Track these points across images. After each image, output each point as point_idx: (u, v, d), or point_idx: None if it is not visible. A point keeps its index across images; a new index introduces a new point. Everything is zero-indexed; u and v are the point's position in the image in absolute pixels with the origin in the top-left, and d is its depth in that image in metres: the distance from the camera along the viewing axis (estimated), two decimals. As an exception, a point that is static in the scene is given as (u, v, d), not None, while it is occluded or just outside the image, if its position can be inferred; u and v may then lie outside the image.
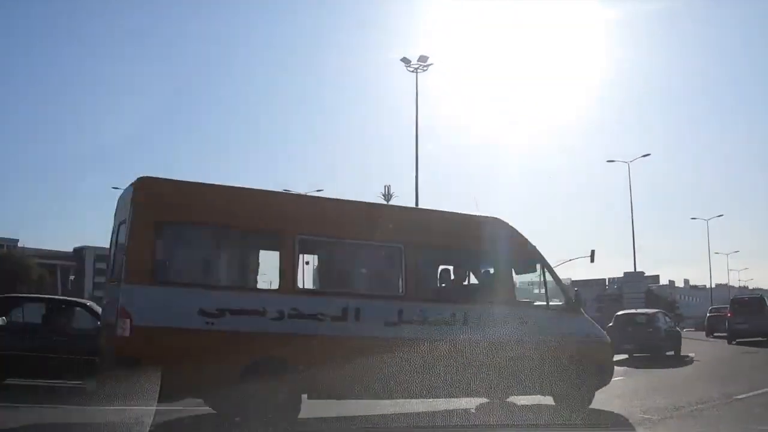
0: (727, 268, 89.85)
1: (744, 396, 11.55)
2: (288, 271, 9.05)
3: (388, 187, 74.90)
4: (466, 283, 11.17)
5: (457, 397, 10.19)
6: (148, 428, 7.36)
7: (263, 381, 8.44)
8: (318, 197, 14.24)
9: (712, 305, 47.00)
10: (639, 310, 25.14)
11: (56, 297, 19.57)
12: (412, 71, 36.10)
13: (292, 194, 15.41)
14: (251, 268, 9.70)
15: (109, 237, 9.62)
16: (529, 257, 11.07)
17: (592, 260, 53.91)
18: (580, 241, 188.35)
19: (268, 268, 9.48)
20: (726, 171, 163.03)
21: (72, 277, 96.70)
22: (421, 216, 11.54)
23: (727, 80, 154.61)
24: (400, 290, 9.90)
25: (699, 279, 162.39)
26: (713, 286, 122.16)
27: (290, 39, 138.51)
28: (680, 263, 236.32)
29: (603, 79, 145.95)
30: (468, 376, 9.46)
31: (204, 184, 9.52)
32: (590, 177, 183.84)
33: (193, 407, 9.56)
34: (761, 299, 29.35)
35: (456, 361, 9.31)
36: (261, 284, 9.59)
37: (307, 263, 9.70)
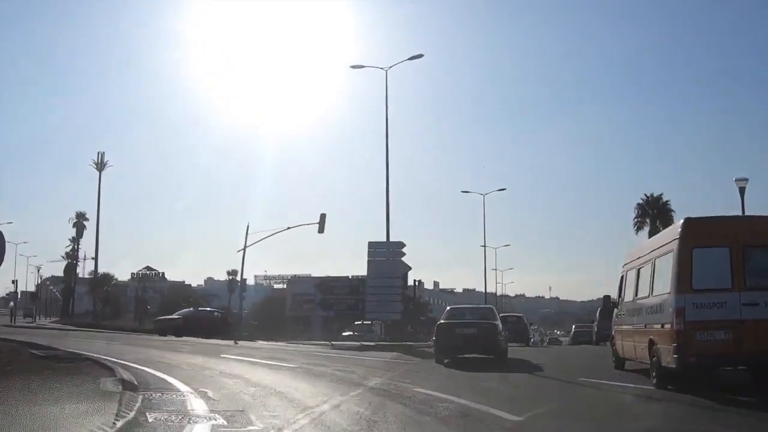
0: (496, 265, 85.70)
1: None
2: None
3: (102, 155, 65.66)
4: None
5: None
6: None
7: None
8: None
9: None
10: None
11: None
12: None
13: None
14: None
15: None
16: None
17: (321, 230, 40.50)
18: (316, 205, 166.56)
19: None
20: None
21: None
22: None
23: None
24: None
25: (448, 283, 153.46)
26: (466, 289, 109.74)
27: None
28: (432, 265, 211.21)
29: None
30: None
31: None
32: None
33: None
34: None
35: None
36: None
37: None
